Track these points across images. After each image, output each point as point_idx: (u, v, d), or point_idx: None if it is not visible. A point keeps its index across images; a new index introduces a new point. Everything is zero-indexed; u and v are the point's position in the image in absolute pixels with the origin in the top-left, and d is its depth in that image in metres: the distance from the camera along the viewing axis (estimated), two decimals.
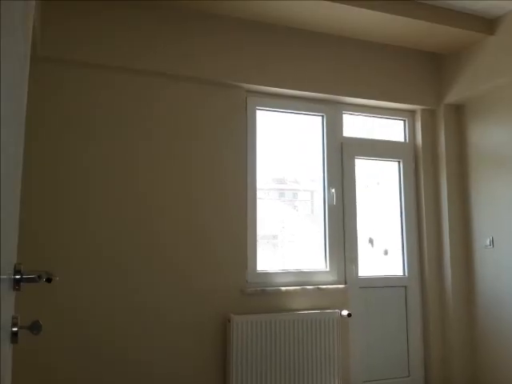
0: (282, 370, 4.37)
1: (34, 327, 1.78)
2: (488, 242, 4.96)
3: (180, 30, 4.39)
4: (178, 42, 4.37)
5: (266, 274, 4.62)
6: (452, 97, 5.22)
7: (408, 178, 5.36)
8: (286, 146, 4.94)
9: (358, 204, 5.09)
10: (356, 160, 5.16)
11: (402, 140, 5.49)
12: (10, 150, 1.44)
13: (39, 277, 1.81)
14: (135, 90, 4.27)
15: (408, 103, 5.25)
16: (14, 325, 1.71)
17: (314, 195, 5.07)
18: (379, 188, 5.34)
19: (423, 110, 5.41)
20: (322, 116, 5.08)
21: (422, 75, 5.34)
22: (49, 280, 1.87)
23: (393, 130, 5.48)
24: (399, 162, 5.38)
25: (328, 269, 4.88)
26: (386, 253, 5.29)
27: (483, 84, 4.90)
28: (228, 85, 4.58)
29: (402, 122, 5.52)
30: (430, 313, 5.16)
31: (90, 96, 4.13)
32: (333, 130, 5.08)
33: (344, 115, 5.19)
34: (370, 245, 5.19)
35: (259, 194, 4.70)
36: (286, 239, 4.89)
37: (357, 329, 4.91)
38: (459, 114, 5.39)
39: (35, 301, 3.78)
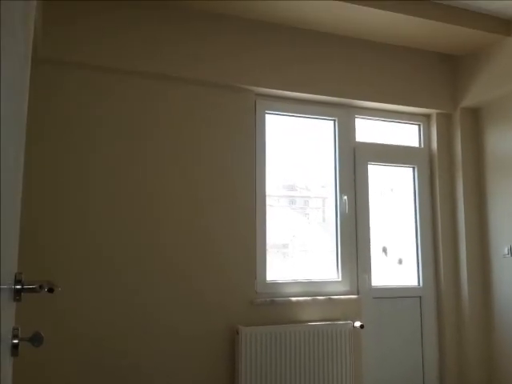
0: (292, 383, 4.34)
1: (36, 339, 1.76)
2: (506, 251, 4.92)
3: (185, 31, 4.38)
4: (183, 43, 4.36)
5: (275, 284, 4.59)
6: (468, 100, 5.19)
7: (423, 184, 5.33)
8: (296, 151, 4.91)
9: (371, 211, 5.05)
10: (369, 166, 5.13)
11: (417, 145, 5.46)
12: (11, 153, 1.43)
13: (40, 287, 1.80)
14: (139, 93, 4.27)
15: (423, 107, 5.22)
16: (14, 337, 1.69)
17: (325, 202, 5.04)
18: (393, 195, 5.31)
19: (439, 114, 5.37)
20: (334, 120, 5.06)
21: (437, 78, 5.32)
22: (51, 290, 1.86)
23: (407, 134, 5.45)
24: (414, 167, 5.35)
25: (340, 279, 4.85)
26: (400, 262, 5.26)
27: (501, 87, 4.87)
28: (236, 88, 4.57)
29: (417, 126, 5.49)
30: (446, 324, 5.11)
31: (92, 98, 4.13)
32: (345, 134, 5.06)
33: (357, 119, 5.16)
34: (383, 254, 5.16)
35: (269, 201, 4.68)
36: (297, 248, 4.87)
37: (370, 341, 4.87)
38: (476, 118, 5.35)
39: (35, 309, 3.76)
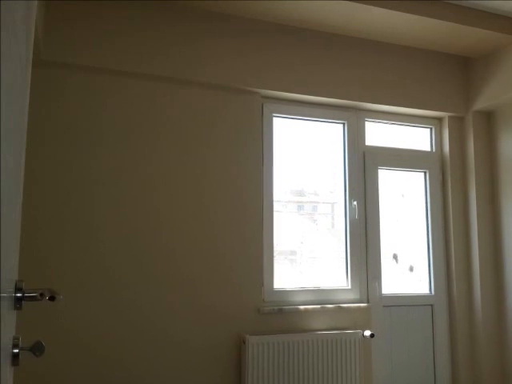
0: None
1: (37, 348, 1.76)
2: None
3: (191, 32, 4.38)
4: (188, 45, 4.36)
5: (283, 292, 4.58)
6: (482, 103, 5.17)
7: (435, 189, 5.31)
8: (304, 155, 4.90)
9: (381, 217, 5.03)
10: (379, 170, 5.11)
11: (429, 149, 5.44)
12: (11, 157, 1.42)
13: (41, 295, 1.79)
14: (143, 96, 4.26)
15: (435, 110, 5.20)
16: (14, 346, 1.68)
17: (334, 208, 5.03)
18: (404, 200, 5.28)
19: (451, 118, 5.35)
20: (343, 124, 5.05)
21: (449, 80, 5.30)
22: (52, 298, 1.85)
23: (418, 138, 5.43)
24: (425, 172, 5.33)
25: (349, 286, 4.83)
26: (411, 269, 5.24)
27: None
28: (243, 90, 4.56)
29: (429, 129, 5.47)
30: (459, 333, 5.08)
31: (96, 102, 4.12)
32: (355, 138, 5.05)
33: (366, 123, 5.15)
34: (394, 261, 5.14)
35: (276, 206, 4.67)
36: (305, 255, 4.85)
37: (380, 350, 4.84)
38: (489, 122, 5.33)
39: (36, 318, 3.76)
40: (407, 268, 5.23)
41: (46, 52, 3.93)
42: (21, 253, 1.96)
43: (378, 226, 5.00)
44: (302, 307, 4.52)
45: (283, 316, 4.47)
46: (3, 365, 1.46)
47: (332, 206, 5.05)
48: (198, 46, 4.38)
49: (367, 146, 5.10)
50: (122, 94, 4.20)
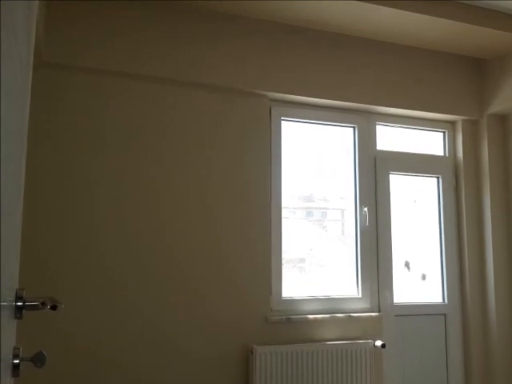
0: None
1: (38, 359, 1.75)
2: None
3: (195, 33, 4.36)
4: (192, 46, 4.34)
5: (292, 301, 4.56)
6: (496, 106, 5.14)
7: (448, 195, 5.28)
8: (314, 160, 4.88)
9: (392, 224, 5.01)
10: (391, 176, 5.09)
11: (442, 154, 5.42)
12: (11, 162, 1.41)
13: (43, 304, 1.78)
14: (147, 98, 4.25)
15: (448, 113, 5.17)
16: (15, 356, 1.68)
17: (344, 214, 5.01)
18: (416, 206, 5.26)
19: (465, 121, 5.33)
20: (354, 127, 5.03)
21: (463, 82, 5.27)
22: (54, 307, 1.84)
23: (431, 142, 5.41)
24: (438, 177, 5.31)
25: (360, 295, 4.81)
26: (423, 277, 5.21)
27: None
28: (250, 93, 4.55)
29: (442, 133, 5.45)
30: (472, 344, 5.05)
31: (99, 104, 4.11)
32: (365, 142, 5.03)
33: (377, 126, 5.13)
34: (406, 269, 5.12)
35: (284, 213, 4.65)
36: (314, 263, 4.83)
37: (392, 361, 4.81)
38: (505, 125, 5.30)
39: (36, 321, 3.74)
40: (419, 276, 5.21)
41: (48, 53, 3.93)
42: (21, 255, 1.95)
43: (390, 232, 4.98)
44: (311, 316, 4.50)
45: (292, 325, 4.45)
46: (3, 376, 1.46)
47: (342, 212, 5.04)
48: (202, 47, 4.37)
49: (378, 151, 5.08)
50: (125, 95, 4.20)
